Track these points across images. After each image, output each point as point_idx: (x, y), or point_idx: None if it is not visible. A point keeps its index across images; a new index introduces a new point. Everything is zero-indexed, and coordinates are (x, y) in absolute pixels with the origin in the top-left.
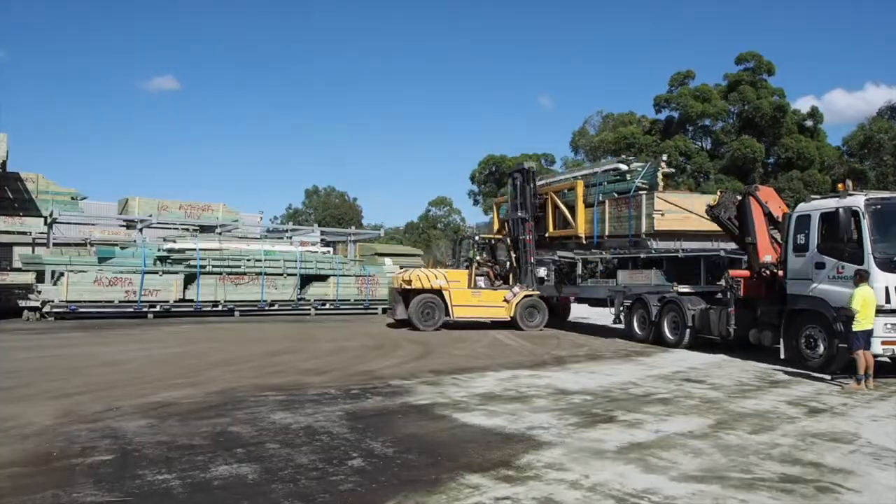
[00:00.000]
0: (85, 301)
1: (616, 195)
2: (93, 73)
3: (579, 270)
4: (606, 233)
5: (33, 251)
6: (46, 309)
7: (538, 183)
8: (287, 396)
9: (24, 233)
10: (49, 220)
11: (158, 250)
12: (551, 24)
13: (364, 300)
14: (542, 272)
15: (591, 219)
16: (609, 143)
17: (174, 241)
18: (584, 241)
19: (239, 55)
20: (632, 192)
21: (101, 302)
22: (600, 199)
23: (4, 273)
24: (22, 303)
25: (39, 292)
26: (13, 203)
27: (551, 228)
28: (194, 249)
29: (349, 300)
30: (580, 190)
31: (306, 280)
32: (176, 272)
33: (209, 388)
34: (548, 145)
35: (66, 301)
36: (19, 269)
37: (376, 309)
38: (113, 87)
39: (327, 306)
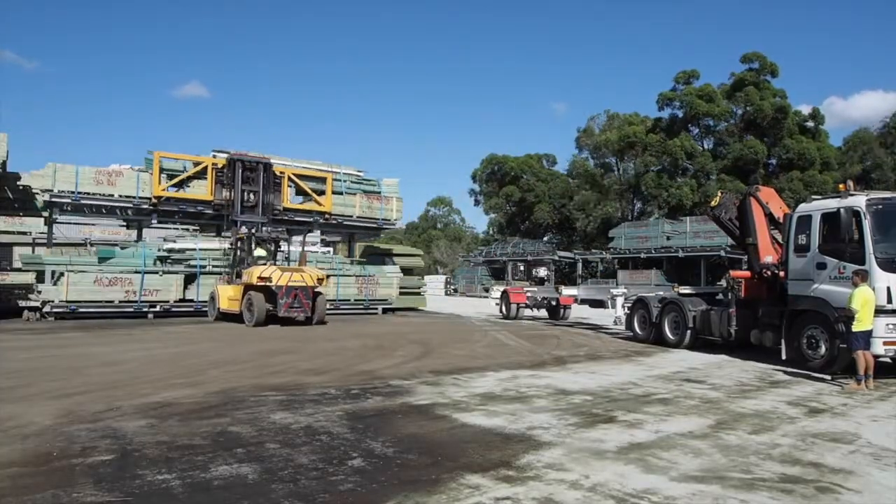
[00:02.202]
0: (85, 301)
1: (364, 192)
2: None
3: (579, 270)
4: (357, 215)
5: (33, 251)
6: (46, 309)
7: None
8: (287, 396)
9: (24, 233)
10: (49, 221)
11: (158, 250)
12: (552, 25)
13: (364, 300)
14: (542, 272)
15: (339, 202)
16: (613, 142)
17: (174, 241)
18: (329, 217)
19: (250, 59)
20: (382, 193)
21: (101, 302)
22: (347, 190)
23: (4, 273)
24: (22, 303)
25: (39, 292)
26: (13, 203)
27: (287, 202)
28: (194, 249)
29: (349, 300)
30: (330, 179)
31: None
32: (176, 272)
33: (209, 388)
34: (548, 145)
35: (66, 301)
36: (19, 269)
37: (376, 309)
38: (128, 91)
39: (327, 306)
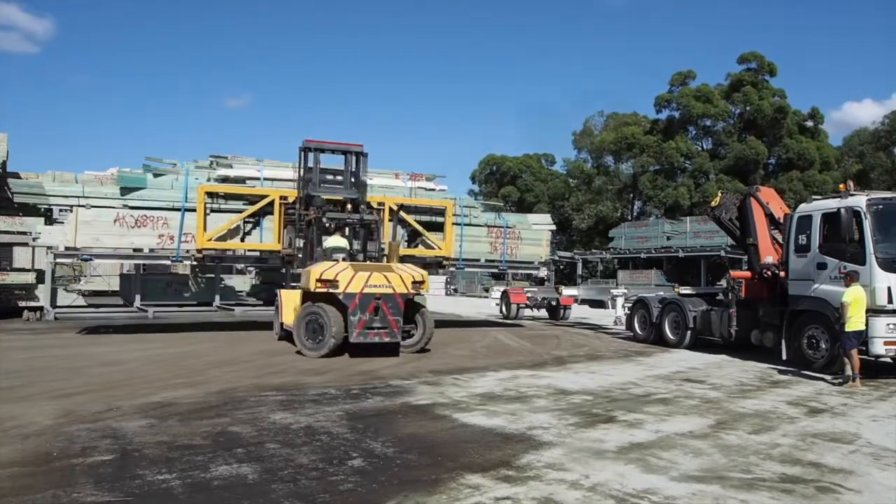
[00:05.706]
0: (101, 247)
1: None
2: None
3: (579, 270)
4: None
5: (33, 252)
6: (43, 305)
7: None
8: (287, 396)
9: (24, 233)
10: (49, 221)
11: (207, 180)
12: (551, 24)
13: (499, 261)
14: (542, 272)
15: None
16: (610, 143)
17: (230, 167)
18: (449, 260)
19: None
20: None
21: (122, 248)
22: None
23: (4, 273)
24: (22, 303)
25: (40, 234)
26: (13, 203)
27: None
28: (258, 179)
29: (479, 260)
30: (450, 211)
31: None
32: (228, 211)
33: (209, 388)
34: (550, 145)
35: (76, 247)
36: (20, 269)
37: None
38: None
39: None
